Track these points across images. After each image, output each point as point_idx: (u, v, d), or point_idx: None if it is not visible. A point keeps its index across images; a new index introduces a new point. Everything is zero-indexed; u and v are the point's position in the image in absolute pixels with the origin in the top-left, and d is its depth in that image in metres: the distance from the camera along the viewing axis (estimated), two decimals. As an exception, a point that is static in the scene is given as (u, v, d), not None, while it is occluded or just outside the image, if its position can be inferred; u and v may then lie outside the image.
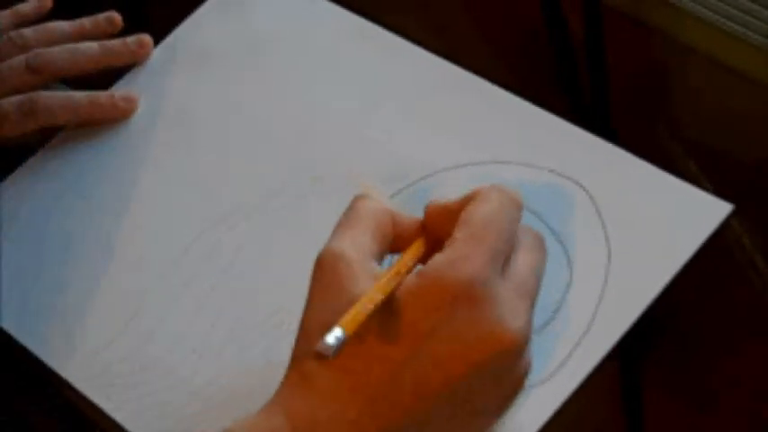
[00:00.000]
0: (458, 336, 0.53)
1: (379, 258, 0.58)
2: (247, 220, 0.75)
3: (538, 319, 0.64)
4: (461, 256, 0.54)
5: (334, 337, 0.51)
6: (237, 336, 0.69)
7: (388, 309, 0.54)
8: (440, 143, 0.76)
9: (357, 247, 0.56)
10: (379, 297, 0.54)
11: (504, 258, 0.56)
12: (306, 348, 0.55)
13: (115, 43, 0.85)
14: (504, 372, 0.55)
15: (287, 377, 0.56)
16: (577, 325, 0.66)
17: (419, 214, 0.61)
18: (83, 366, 0.70)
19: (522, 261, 0.57)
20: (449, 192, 0.68)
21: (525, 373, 0.56)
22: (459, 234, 0.56)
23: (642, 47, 0.81)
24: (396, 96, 0.79)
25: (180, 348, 0.70)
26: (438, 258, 0.55)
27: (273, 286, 0.71)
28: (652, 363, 0.66)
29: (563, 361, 0.65)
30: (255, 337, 0.69)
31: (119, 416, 0.67)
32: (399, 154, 0.75)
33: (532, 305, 0.56)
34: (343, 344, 0.51)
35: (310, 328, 0.56)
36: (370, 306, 0.53)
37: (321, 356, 0.51)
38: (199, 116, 0.81)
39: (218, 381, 0.67)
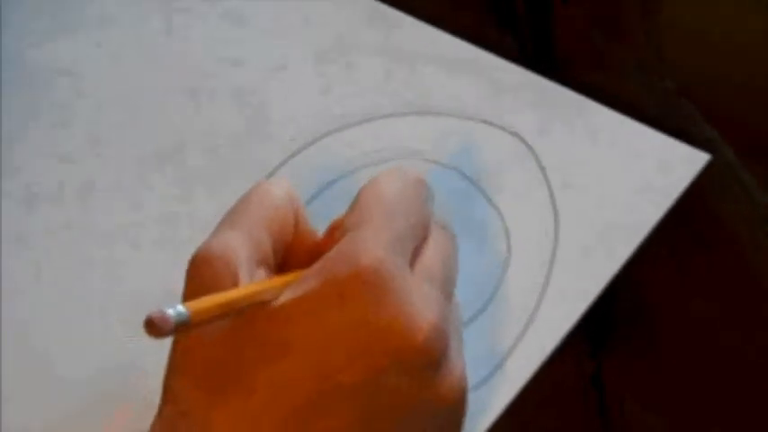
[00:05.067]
0: (355, 340, 0.46)
1: (270, 264, 0.50)
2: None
3: (469, 307, 0.60)
4: (355, 243, 0.46)
5: (176, 311, 0.42)
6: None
7: (273, 323, 0.46)
8: (346, 95, 0.69)
9: (239, 247, 0.48)
10: (247, 296, 0.46)
11: (412, 245, 0.49)
12: (182, 375, 0.48)
13: None
14: (421, 383, 0.47)
15: (162, 412, 0.48)
16: (521, 310, 0.60)
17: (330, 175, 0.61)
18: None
19: (433, 250, 0.50)
20: (359, 150, 0.66)
21: (457, 389, 0.48)
22: (349, 220, 0.48)
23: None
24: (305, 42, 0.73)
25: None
26: (329, 253, 0.47)
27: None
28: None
29: (503, 357, 0.59)
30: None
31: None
32: (308, 107, 0.69)
33: (447, 299, 0.49)
34: (183, 325, 0.42)
35: (180, 350, 0.48)
36: (232, 298, 0.45)
37: (152, 328, 0.42)
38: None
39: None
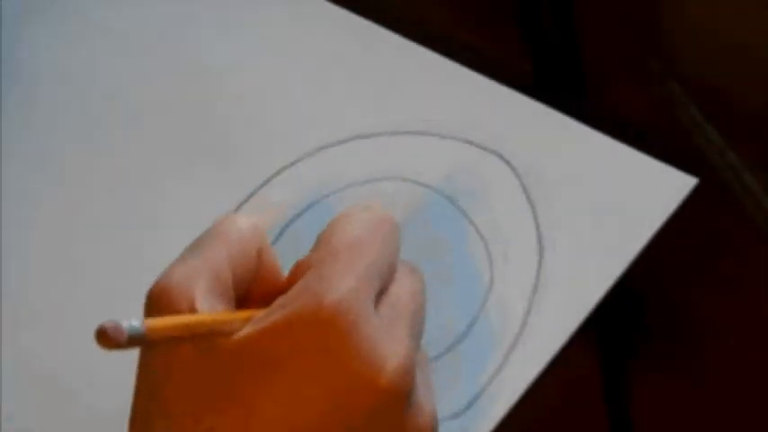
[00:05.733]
0: (318, 380, 0.45)
1: (230, 297, 0.49)
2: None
3: (452, 332, 0.59)
4: (320, 279, 0.46)
5: (130, 325, 0.41)
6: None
7: (236, 354, 0.46)
8: (330, 111, 0.68)
9: (198, 277, 0.47)
10: (206, 323, 0.45)
11: (379, 283, 0.48)
12: (175, 392, 0.47)
13: None
14: (388, 424, 0.46)
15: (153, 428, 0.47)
16: (505, 334, 0.59)
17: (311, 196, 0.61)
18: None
19: (399, 288, 0.49)
20: (339, 171, 0.65)
21: (426, 428, 0.47)
22: (314, 256, 0.47)
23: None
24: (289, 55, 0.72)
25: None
26: (294, 288, 0.46)
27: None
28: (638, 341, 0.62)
29: (483, 387, 0.58)
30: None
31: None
32: (279, 128, 0.68)
33: (413, 337, 0.47)
34: (137, 339, 0.42)
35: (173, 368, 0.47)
36: (191, 322, 0.44)
37: (104, 339, 0.41)
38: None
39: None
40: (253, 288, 0.49)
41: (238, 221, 0.49)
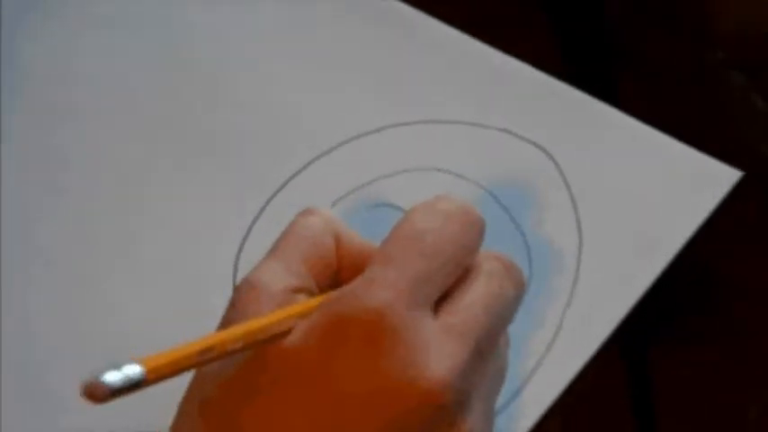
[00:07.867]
0: (350, 390, 0.44)
1: (312, 290, 0.49)
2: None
3: None
4: (369, 281, 0.45)
5: (120, 374, 0.39)
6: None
7: (275, 359, 0.45)
8: (356, 101, 0.67)
9: (279, 275, 0.48)
10: (230, 340, 0.44)
11: (438, 287, 0.46)
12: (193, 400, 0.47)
13: None
14: None
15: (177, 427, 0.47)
16: (539, 335, 0.58)
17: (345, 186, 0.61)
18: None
19: (471, 294, 0.47)
20: (372, 160, 0.64)
21: None
22: (377, 252, 0.47)
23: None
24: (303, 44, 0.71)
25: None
26: (346, 286, 0.46)
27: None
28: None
29: (519, 387, 0.57)
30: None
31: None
32: (309, 117, 0.67)
33: (478, 353, 0.46)
34: (131, 387, 0.40)
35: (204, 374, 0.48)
36: (204, 348, 0.43)
37: (88, 394, 0.39)
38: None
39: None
40: (342, 273, 0.50)
41: (308, 218, 0.50)
